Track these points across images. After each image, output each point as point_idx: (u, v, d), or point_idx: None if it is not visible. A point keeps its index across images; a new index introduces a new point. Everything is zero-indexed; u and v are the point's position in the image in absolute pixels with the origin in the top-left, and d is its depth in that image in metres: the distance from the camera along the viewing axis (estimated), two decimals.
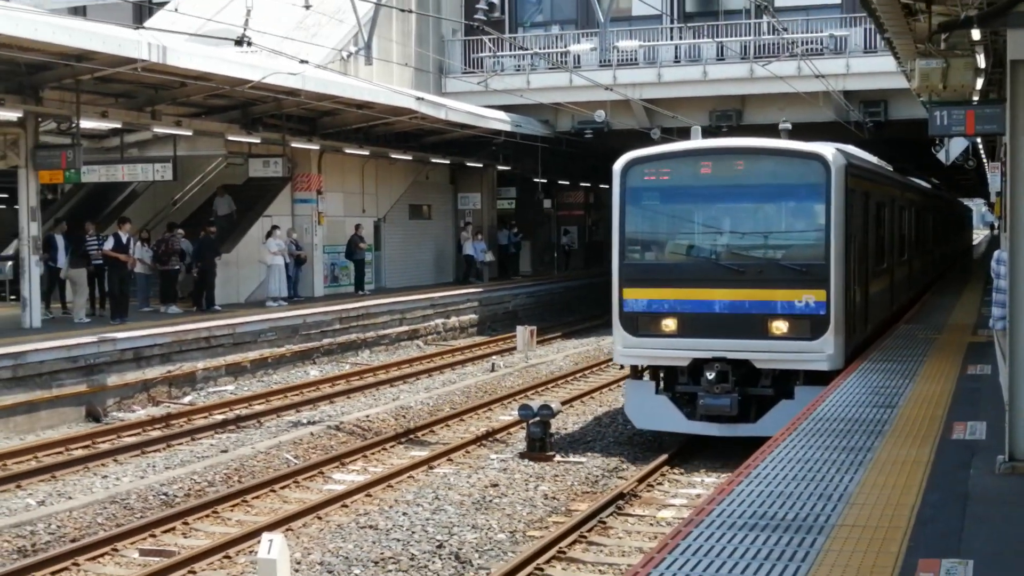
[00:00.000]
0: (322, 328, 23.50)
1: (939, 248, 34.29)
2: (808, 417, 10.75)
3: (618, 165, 15.39)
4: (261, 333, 21.67)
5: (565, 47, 31.80)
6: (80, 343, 17.56)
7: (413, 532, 11.47)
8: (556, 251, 40.72)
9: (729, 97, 30.93)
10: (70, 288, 21.93)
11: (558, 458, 14.80)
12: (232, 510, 12.48)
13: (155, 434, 16.10)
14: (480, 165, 34.69)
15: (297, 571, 10.28)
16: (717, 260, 15.00)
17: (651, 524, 11.87)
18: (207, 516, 12.17)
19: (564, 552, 10.77)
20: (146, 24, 26.53)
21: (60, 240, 22.43)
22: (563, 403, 17.95)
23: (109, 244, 21.20)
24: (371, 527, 11.65)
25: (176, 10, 27.07)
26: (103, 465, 14.35)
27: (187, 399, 19.01)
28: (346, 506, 12.54)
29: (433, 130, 29.49)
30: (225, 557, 10.77)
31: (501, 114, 30.62)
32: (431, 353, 25.38)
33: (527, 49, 31.51)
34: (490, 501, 12.68)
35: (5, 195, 35.69)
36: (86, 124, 21.06)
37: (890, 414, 10.82)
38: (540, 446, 14.83)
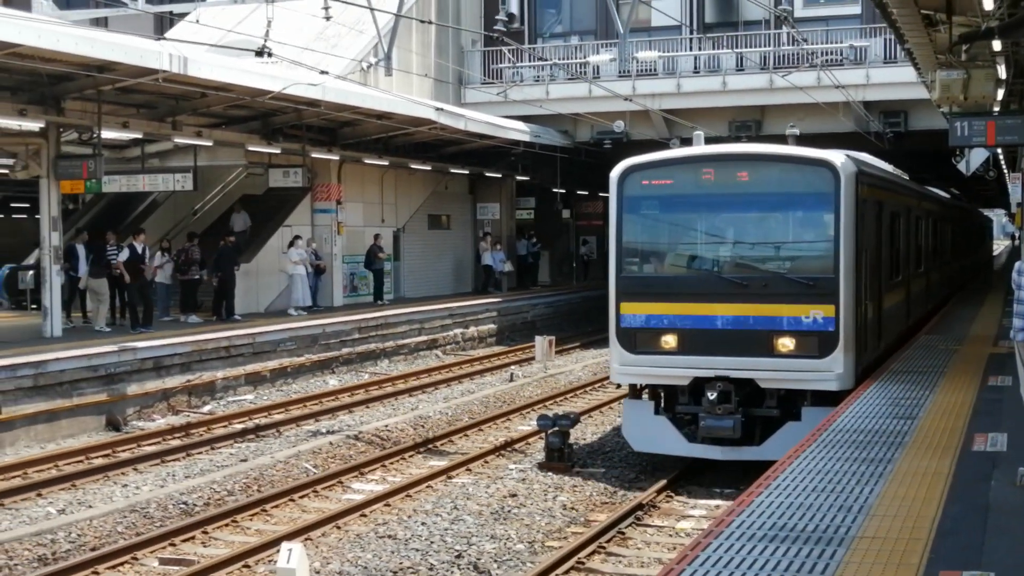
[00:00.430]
0: (341, 338, 23.57)
1: (958, 260, 33.53)
2: (827, 428, 10.69)
3: (615, 172, 14.76)
4: (281, 343, 21.75)
5: (584, 58, 31.83)
6: (101, 352, 17.68)
7: (432, 542, 11.48)
8: (575, 261, 40.74)
9: (749, 108, 30.94)
10: (90, 297, 22.05)
11: (577, 468, 14.76)
12: (251, 519, 12.50)
13: (175, 443, 16.17)
14: (499, 175, 34.77)
15: None
16: (719, 273, 14.27)
17: (670, 535, 11.84)
18: (226, 525, 12.19)
19: (583, 563, 10.76)
20: (167, 35, 26.78)
21: (81, 250, 22.56)
22: (581, 413, 17.92)
23: (124, 255, 21.34)
24: (390, 537, 11.67)
25: (197, 21, 27.24)
26: (123, 474, 14.43)
27: (207, 408, 19.10)
28: (365, 515, 12.56)
29: (452, 140, 29.58)
30: (244, 566, 10.78)
31: (520, 124, 30.70)
32: (450, 363, 25.43)
33: (546, 60, 31.60)
34: (509, 511, 12.69)
35: (27, 205, 36.01)
36: (107, 134, 21.25)
37: (910, 425, 10.76)
38: (559, 456, 14.77)
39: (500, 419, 18.48)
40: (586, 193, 41.34)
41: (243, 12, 27.07)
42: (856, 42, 29.81)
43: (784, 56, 30.47)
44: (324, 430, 17.23)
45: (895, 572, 6.37)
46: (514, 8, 33.06)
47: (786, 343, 13.58)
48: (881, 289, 16.02)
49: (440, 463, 15.21)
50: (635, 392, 14.85)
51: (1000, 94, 15.70)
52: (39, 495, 13.23)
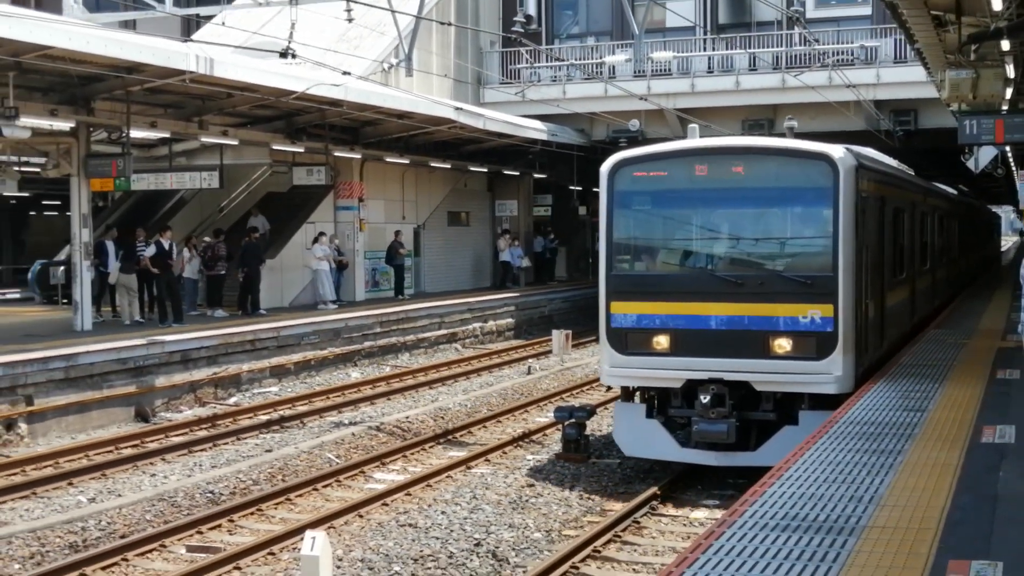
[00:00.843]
0: (363, 331, 23.85)
1: (965, 256, 32.62)
2: (839, 420, 10.71)
3: (605, 165, 13.89)
4: (304, 336, 22.04)
5: (600, 58, 32.04)
6: (129, 346, 17.97)
7: (451, 530, 11.65)
8: (591, 257, 40.90)
9: (761, 107, 31.06)
10: (120, 292, 22.42)
11: (593, 459, 14.90)
12: (276, 508, 12.71)
13: (201, 434, 16.40)
14: (517, 173, 35.01)
15: (339, 568, 10.44)
16: (713, 271, 13.46)
17: (684, 524, 12.01)
18: (252, 514, 12.40)
19: (599, 551, 10.92)
20: (194, 37, 27.11)
21: (110, 246, 22.94)
22: (598, 405, 18.07)
23: (151, 251, 21.66)
24: (411, 525, 11.84)
25: (223, 23, 27.62)
26: (151, 464, 14.65)
27: (232, 400, 19.39)
28: (386, 505, 12.76)
29: (471, 139, 29.83)
30: (269, 554, 10.96)
31: (538, 123, 30.92)
32: (469, 356, 25.67)
33: (563, 60, 31.80)
34: (526, 501, 12.88)
35: (58, 202, 36.48)
36: (136, 134, 21.58)
37: (920, 417, 10.76)
38: (575, 447, 14.84)
39: (518, 411, 18.70)
40: None
41: (268, 14, 27.43)
42: (867, 42, 29.89)
43: (796, 56, 30.61)
44: (347, 421, 17.48)
45: (905, 561, 6.41)
46: (531, 10, 33.26)
47: (783, 344, 12.88)
48: (883, 287, 15.27)
49: (459, 454, 15.43)
50: (627, 395, 14.22)
51: (1009, 93, 15.84)
52: (70, 484, 13.46)
